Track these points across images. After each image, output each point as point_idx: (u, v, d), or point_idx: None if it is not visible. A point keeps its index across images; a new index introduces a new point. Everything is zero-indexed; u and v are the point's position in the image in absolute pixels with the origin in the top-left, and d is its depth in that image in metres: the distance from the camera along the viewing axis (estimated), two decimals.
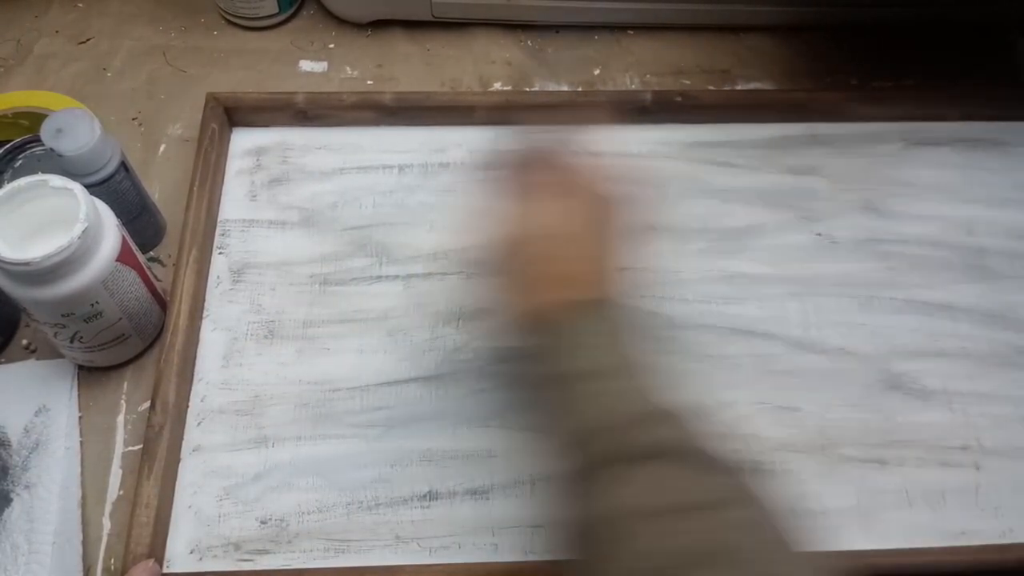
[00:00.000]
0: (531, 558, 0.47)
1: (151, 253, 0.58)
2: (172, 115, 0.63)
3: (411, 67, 0.66)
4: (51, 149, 0.49)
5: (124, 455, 0.50)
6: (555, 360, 0.38)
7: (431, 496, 0.49)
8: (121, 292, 0.48)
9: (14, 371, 0.53)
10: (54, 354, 0.53)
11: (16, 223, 0.45)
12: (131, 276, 0.49)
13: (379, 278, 0.56)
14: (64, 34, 0.67)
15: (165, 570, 0.46)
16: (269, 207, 0.58)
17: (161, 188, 0.60)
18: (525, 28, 0.69)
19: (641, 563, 0.31)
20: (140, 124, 0.63)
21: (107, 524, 0.48)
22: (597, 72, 0.67)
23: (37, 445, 0.50)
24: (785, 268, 0.57)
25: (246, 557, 0.47)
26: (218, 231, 0.57)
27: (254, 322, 0.54)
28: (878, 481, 0.50)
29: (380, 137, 0.61)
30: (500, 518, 0.49)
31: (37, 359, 0.53)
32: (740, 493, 0.34)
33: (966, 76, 0.67)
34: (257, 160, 0.60)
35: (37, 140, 0.54)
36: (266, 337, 0.54)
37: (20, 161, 0.55)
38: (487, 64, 0.67)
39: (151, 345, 0.54)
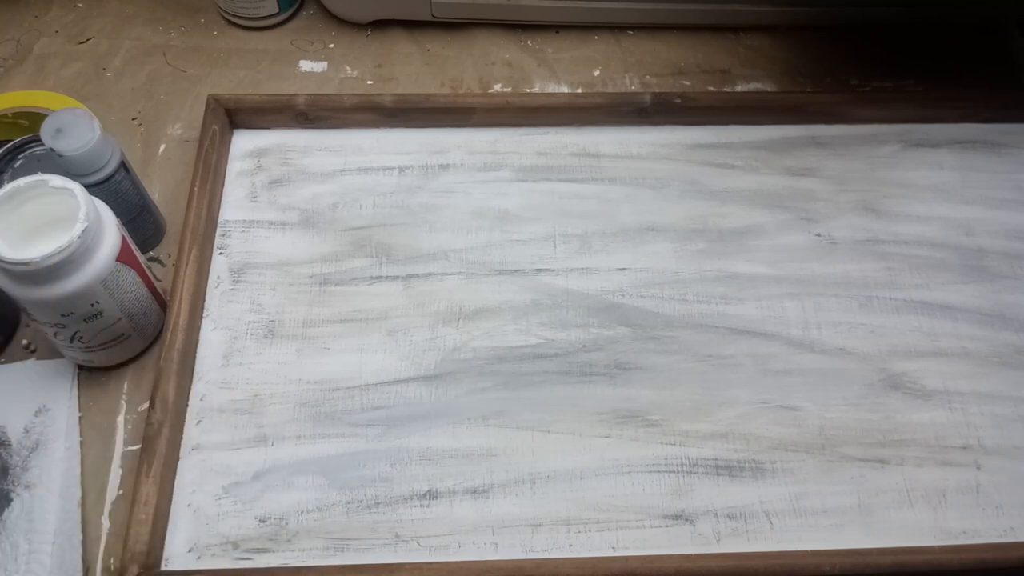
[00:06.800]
0: (531, 556, 0.47)
1: (151, 253, 0.58)
2: (172, 115, 0.63)
3: (411, 67, 0.67)
4: (51, 149, 0.49)
5: (124, 455, 0.50)
6: None
7: (431, 495, 0.49)
8: (121, 292, 0.48)
9: (14, 371, 0.53)
10: (54, 354, 0.53)
11: (16, 223, 0.45)
12: (131, 276, 0.49)
13: (379, 278, 0.56)
14: (64, 34, 0.67)
15: (164, 568, 0.46)
16: (269, 208, 0.58)
17: (161, 188, 0.60)
18: (525, 28, 0.69)
19: None
20: (140, 124, 0.63)
21: (106, 523, 0.48)
22: (597, 73, 0.67)
23: (37, 445, 0.50)
24: (784, 268, 0.57)
25: (245, 556, 0.47)
26: (218, 232, 0.57)
27: (254, 322, 0.54)
28: (878, 480, 0.50)
29: (380, 139, 0.61)
30: (500, 517, 0.49)
31: (37, 359, 0.53)
32: None
33: (965, 77, 0.67)
34: (258, 161, 0.60)
35: (37, 140, 0.54)
36: (266, 337, 0.54)
37: (20, 161, 0.55)
38: (487, 64, 0.67)
39: (151, 345, 0.54)
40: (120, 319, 0.49)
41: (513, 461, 0.50)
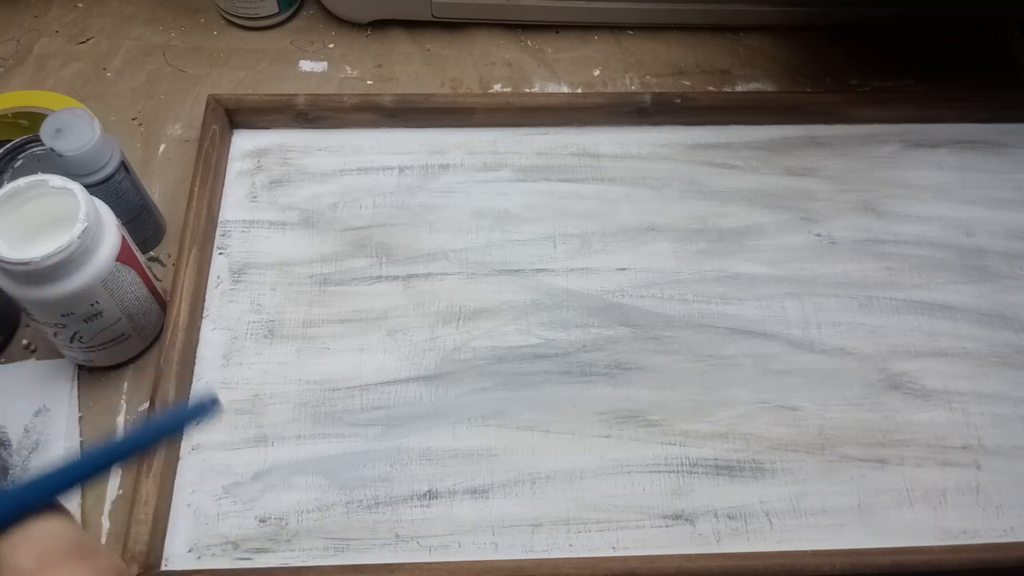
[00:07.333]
0: (531, 556, 0.47)
1: (151, 253, 0.58)
2: (172, 115, 0.63)
3: (411, 67, 0.67)
4: (51, 149, 0.49)
5: None
6: None
7: (431, 495, 0.49)
8: (121, 292, 0.48)
9: (14, 371, 0.53)
10: (54, 354, 0.53)
11: (16, 223, 0.45)
12: (131, 276, 0.49)
13: (379, 278, 0.56)
14: (64, 34, 0.67)
15: (164, 568, 0.46)
16: (269, 208, 0.58)
17: (161, 188, 0.60)
18: (525, 28, 0.69)
19: None
20: (140, 124, 0.63)
21: (106, 523, 0.48)
22: (597, 73, 0.67)
23: (37, 445, 0.50)
24: (784, 268, 0.57)
25: (245, 556, 0.47)
26: (218, 232, 0.57)
27: (254, 322, 0.54)
28: (878, 480, 0.50)
29: (380, 139, 0.61)
30: (500, 517, 0.49)
31: (37, 359, 0.53)
32: None
33: (965, 77, 0.67)
34: (258, 161, 0.60)
35: (37, 140, 0.54)
36: (266, 337, 0.54)
37: (20, 161, 0.55)
38: (487, 64, 0.67)
39: (151, 345, 0.54)
40: (120, 319, 0.49)
41: (513, 461, 0.50)
